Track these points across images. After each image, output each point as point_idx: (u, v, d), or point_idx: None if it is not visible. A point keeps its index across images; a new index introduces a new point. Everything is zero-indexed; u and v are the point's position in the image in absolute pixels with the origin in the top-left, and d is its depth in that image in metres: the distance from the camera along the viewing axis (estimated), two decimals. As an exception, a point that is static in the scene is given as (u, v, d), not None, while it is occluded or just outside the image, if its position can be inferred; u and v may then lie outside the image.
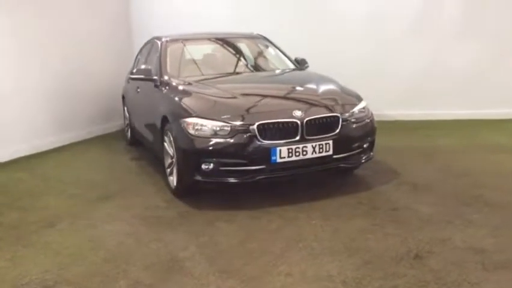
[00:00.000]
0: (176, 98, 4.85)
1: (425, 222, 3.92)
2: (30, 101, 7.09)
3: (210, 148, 4.28)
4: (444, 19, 8.31)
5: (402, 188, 4.80)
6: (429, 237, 3.63)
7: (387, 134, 7.35)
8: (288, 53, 6.29)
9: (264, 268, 3.27)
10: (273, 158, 4.26)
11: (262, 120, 4.28)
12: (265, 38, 6.49)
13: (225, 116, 4.36)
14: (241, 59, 6.29)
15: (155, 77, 5.51)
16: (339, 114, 4.52)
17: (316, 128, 4.40)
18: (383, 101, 8.74)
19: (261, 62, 6.34)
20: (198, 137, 4.33)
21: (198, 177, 4.38)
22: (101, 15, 8.65)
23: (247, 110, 4.44)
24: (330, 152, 4.43)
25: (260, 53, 6.44)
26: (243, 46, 6.43)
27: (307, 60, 6.30)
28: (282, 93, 5.08)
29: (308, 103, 4.71)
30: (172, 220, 4.24)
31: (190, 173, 4.43)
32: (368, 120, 4.84)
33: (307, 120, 4.34)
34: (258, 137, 4.24)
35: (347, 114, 4.62)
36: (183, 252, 3.58)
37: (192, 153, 4.37)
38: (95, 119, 8.40)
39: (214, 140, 4.28)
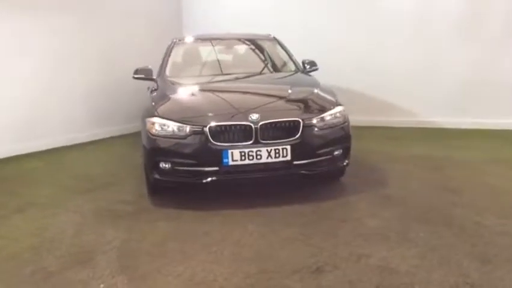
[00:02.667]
0: (152, 98, 5.02)
1: (360, 236, 3.69)
2: (70, 96, 7.77)
3: (165, 148, 4.38)
4: (497, 20, 7.65)
5: (373, 200, 4.54)
6: (349, 251, 3.43)
7: (412, 143, 7.04)
8: (294, 56, 6.18)
9: (161, 268, 3.30)
10: (225, 160, 4.25)
11: (215, 122, 4.29)
12: (276, 40, 6.44)
13: (184, 117, 4.42)
14: (242, 61, 6.32)
15: (154, 77, 5.73)
16: (299, 119, 4.39)
17: (274, 132, 4.32)
18: (430, 107, 8.32)
19: (260, 64, 6.28)
20: (157, 136, 4.44)
21: (157, 176, 4.51)
22: (150, 15, 9.16)
23: (206, 112, 4.46)
24: (288, 158, 4.31)
25: (264, 55, 6.39)
26: (250, 48, 6.45)
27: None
28: (250, 95, 5.04)
29: (271, 106, 4.64)
30: (124, 215, 4.40)
31: (150, 171, 4.57)
32: (341, 127, 4.63)
33: (262, 124, 4.27)
34: (210, 139, 4.26)
35: (313, 120, 4.46)
36: (105, 246, 3.72)
37: (150, 151, 4.50)
38: (136, 116, 8.81)
39: (169, 140, 4.38)
